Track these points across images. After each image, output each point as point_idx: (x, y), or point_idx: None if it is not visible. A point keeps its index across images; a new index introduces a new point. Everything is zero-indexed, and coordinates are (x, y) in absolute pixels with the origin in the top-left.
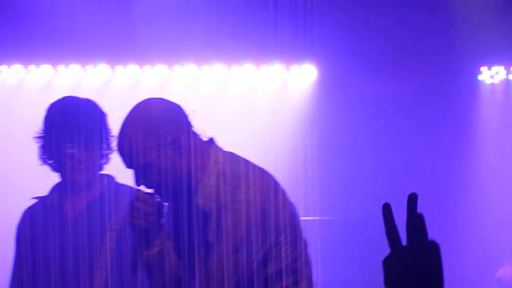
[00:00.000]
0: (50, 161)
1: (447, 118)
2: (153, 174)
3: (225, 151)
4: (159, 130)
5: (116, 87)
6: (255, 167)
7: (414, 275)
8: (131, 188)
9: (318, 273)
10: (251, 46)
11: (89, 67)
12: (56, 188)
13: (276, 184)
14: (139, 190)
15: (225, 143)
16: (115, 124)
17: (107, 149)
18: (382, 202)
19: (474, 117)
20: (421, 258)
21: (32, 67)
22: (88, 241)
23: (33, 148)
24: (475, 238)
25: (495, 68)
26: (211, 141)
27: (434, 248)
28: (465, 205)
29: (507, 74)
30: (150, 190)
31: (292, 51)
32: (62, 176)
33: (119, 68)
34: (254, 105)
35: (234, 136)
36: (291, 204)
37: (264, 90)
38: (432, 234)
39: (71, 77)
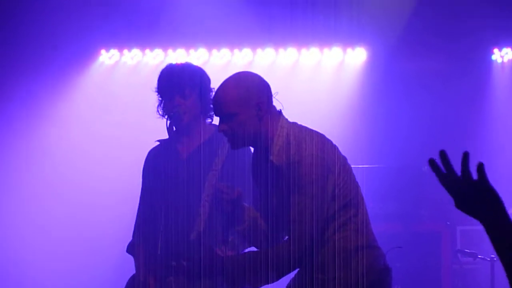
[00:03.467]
0: (166, 117)
1: (467, 89)
2: (233, 124)
3: (288, 121)
4: (249, 93)
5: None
6: (311, 130)
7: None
8: None
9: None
10: (315, 34)
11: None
12: (173, 134)
13: (328, 142)
14: (221, 184)
15: (298, 108)
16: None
17: (209, 103)
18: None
19: (487, 89)
20: (480, 188)
21: (147, 51)
22: (194, 178)
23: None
24: None
25: (505, 50)
26: (280, 111)
27: (485, 181)
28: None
29: None
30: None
31: (347, 38)
32: (176, 127)
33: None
34: (319, 78)
35: (304, 103)
36: (343, 156)
37: (327, 68)
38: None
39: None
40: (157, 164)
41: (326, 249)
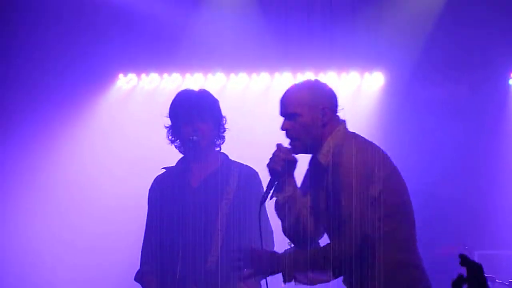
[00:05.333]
0: (177, 143)
1: (486, 114)
2: (296, 125)
3: (348, 130)
4: (317, 98)
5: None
6: (364, 138)
7: None
8: (241, 164)
9: None
10: (333, 58)
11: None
12: (181, 161)
13: (379, 150)
14: (281, 143)
15: None
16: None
17: (222, 131)
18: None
19: (506, 113)
20: None
21: (165, 75)
22: (207, 207)
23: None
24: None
25: None
26: (343, 121)
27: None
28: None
29: None
30: (287, 145)
31: (365, 62)
32: (186, 154)
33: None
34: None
35: None
36: (393, 166)
37: (344, 92)
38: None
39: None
40: (165, 191)
41: (365, 260)
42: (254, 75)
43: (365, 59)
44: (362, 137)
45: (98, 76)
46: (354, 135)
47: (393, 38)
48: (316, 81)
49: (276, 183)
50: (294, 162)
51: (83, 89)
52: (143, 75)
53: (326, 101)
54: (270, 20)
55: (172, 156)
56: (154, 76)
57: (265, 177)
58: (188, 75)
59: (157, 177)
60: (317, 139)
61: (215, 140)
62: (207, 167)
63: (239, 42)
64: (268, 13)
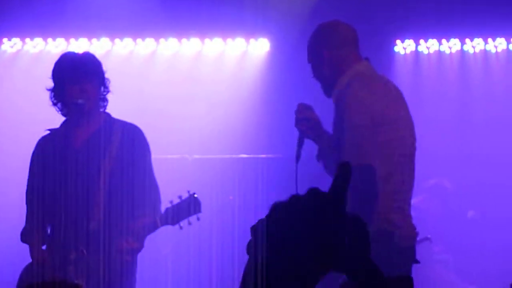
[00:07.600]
0: (59, 105)
1: None
2: (313, 70)
3: (364, 70)
4: (317, 41)
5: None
6: (369, 80)
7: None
8: (124, 121)
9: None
10: (218, 24)
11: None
12: (65, 123)
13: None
14: (300, 104)
15: (202, 96)
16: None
17: (105, 92)
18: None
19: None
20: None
21: (50, 40)
22: (90, 165)
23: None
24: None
25: (407, 42)
26: (365, 60)
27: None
28: None
29: (417, 46)
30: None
31: (250, 28)
32: (69, 117)
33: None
34: (222, 68)
35: (207, 92)
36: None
37: (230, 58)
38: None
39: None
40: (48, 153)
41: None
42: (139, 40)
43: (251, 26)
44: (369, 76)
45: None
46: (360, 74)
47: (279, 5)
48: (321, 25)
49: (303, 140)
50: (312, 120)
51: None
52: (27, 40)
53: (326, 42)
54: None
55: (58, 120)
56: (38, 41)
57: (149, 135)
58: (72, 40)
59: (40, 139)
60: (329, 80)
61: (99, 101)
62: (90, 126)
63: (124, 7)
64: None
